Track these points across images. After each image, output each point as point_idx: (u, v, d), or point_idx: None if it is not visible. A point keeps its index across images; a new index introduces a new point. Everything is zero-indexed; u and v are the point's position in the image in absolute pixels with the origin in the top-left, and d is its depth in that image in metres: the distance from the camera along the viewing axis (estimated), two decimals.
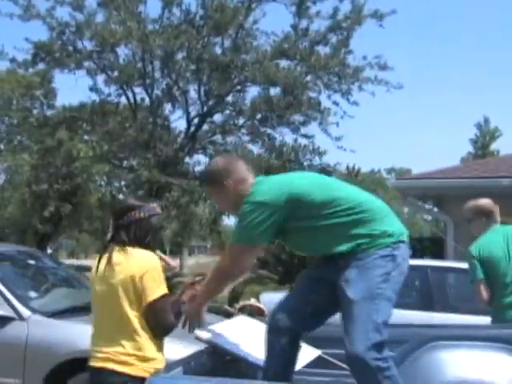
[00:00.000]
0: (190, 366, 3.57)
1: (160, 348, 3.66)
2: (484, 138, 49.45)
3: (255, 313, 8.69)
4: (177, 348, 5.26)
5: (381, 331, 3.47)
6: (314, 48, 17.34)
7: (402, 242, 3.66)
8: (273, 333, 3.84)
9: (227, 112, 18.74)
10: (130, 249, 3.60)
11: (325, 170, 16.05)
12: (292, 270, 15.35)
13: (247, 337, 4.20)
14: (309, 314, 3.80)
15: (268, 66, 16.40)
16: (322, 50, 17.59)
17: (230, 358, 4.02)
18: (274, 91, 18.01)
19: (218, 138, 19.11)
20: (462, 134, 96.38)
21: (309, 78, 17.52)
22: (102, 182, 34.09)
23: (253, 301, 5.30)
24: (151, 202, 3.84)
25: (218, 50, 17.61)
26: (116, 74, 17.47)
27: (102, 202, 39.64)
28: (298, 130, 17.80)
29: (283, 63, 17.43)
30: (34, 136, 20.21)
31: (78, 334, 5.46)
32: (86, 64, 17.52)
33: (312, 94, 17.53)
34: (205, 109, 18.31)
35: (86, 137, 18.67)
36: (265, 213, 3.57)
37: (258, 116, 18.27)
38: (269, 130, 18.35)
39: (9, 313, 5.59)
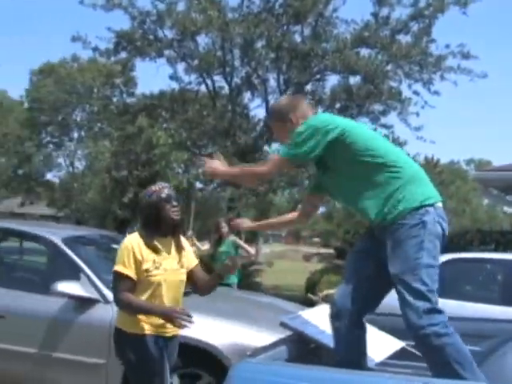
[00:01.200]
0: (275, 352, 3.56)
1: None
2: None
3: None
4: (261, 335, 5.32)
5: (428, 298, 3.52)
6: (394, 36, 17.06)
7: (431, 205, 3.69)
8: (335, 318, 3.89)
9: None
10: None
11: None
12: None
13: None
14: (365, 292, 3.84)
15: (348, 55, 16.23)
16: (403, 38, 17.32)
17: (315, 345, 4.03)
18: (354, 80, 17.89)
19: None
20: None
21: (389, 67, 17.26)
22: (180, 170, 34.60)
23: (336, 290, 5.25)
24: (156, 185, 4.21)
25: (298, 39, 17.54)
26: (196, 62, 17.62)
27: (179, 189, 40.31)
28: (377, 120, 17.65)
29: (363, 52, 17.24)
30: (114, 123, 20.59)
31: None
32: (167, 52, 17.74)
33: (392, 84, 17.29)
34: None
35: (165, 124, 18.87)
36: (315, 136, 3.76)
37: (337, 105, 18.16)
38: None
39: (94, 295, 5.69)
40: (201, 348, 5.34)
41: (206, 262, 15.05)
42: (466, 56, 16.56)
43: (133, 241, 4.04)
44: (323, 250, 65.32)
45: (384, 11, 17.24)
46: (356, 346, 3.84)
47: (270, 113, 4.63)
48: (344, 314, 3.83)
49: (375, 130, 17.42)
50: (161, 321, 3.99)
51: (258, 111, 24.13)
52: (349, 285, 3.88)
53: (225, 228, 9.89)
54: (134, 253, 3.97)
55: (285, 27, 17.37)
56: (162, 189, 4.13)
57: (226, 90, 18.40)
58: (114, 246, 7.59)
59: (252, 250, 10.65)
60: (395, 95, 16.99)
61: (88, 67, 41.26)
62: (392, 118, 18.09)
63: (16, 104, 48.00)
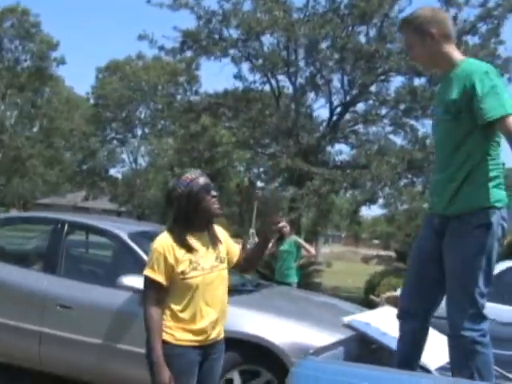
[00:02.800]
0: (337, 351, 3.60)
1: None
2: None
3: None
4: (321, 335, 5.34)
5: (477, 302, 3.44)
6: (461, 38, 16.79)
7: (498, 208, 3.52)
8: (400, 318, 3.85)
9: (370, 102, 18.59)
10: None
11: None
12: None
13: (394, 327, 4.21)
14: (431, 292, 3.75)
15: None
16: (471, 40, 17.07)
17: (376, 346, 4.05)
18: (419, 81, 17.70)
19: (359, 127, 19.06)
20: None
21: None
22: (241, 168, 34.83)
23: (398, 292, 5.26)
24: (189, 172, 3.77)
25: (363, 39, 17.46)
26: (260, 62, 17.70)
27: (241, 187, 40.53)
28: None
29: None
30: (178, 121, 20.84)
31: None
32: (232, 52, 17.86)
33: None
34: (348, 98, 18.26)
35: (228, 123, 19.04)
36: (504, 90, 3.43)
37: (402, 106, 18.01)
38: (412, 121, 18.09)
39: None
40: (261, 345, 5.37)
41: (268, 260, 15.20)
42: None
43: (163, 242, 3.62)
44: (383, 253, 64.82)
45: (451, 11, 17.00)
46: (418, 348, 3.83)
47: (407, 21, 3.74)
48: (409, 315, 3.80)
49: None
50: (199, 325, 3.66)
51: (321, 111, 23.85)
52: (414, 285, 3.82)
53: (286, 227, 9.91)
54: (165, 256, 3.57)
55: (350, 28, 17.30)
56: (199, 177, 3.71)
57: (290, 89, 18.46)
58: None
59: (313, 250, 10.67)
60: None
61: (152, 65, 41.83)
62: None
63: (82, 100, 49.01)
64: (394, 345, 3.91)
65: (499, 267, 9.08)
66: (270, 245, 10.15)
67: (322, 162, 17.55)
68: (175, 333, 3.59)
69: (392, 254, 64.61)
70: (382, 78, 17.85)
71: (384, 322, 4.20)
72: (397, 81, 17.54)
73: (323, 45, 17.34)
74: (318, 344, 5.19)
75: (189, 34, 17.41)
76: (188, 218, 3.65)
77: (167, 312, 3.59)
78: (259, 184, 28.50)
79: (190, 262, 3.62)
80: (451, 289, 3.53)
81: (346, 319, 4.09)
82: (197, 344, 3.64)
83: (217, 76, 36.74)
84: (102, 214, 32.37)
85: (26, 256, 7.37)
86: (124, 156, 47.23)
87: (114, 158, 46.35)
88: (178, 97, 30.09)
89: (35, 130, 44.48)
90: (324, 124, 18.68)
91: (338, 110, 18.52)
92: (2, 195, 47.44)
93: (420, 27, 3.61)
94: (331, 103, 18.47)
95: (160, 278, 3.57)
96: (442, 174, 3.65)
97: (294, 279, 9.80)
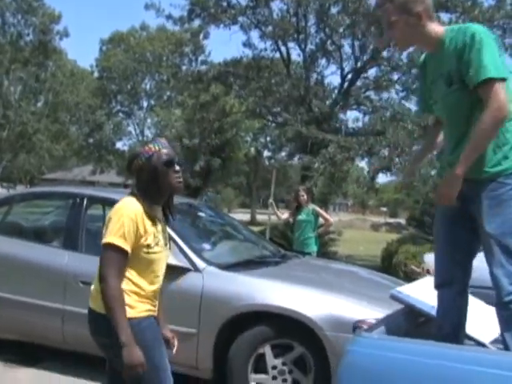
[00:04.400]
0: (390, 326, 3.41)
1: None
2: None
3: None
4: (357, 307, 5.18)
5: None
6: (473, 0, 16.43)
7: None
8: (437, 288, 3.73)
9: (382, 67, 18.26)
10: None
11: None
12: None
13: None
14: (460, 257, 3.64)
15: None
16: (486, 1, 16.69)
17: (424, 319, 3.88)
18: None
19: (371, 93, 18.74)
20: None
21: None
22: (248, 138, 34.52)
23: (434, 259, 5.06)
24: (154, 142, 3.53)
25: (374, 3, 17.07)
26: (270, 29, 17.34)
27: (248, 157, 40.25)
28: None
29: (443, 17, 16.64)
30: (187, 91, 20.53)
31: (253, 288, 5.47)
32: (240, 19, 17.49)
33: None
34: (359, 64, 17.93)
35: (238, 93, 18.71)
36: (496, 49, 3.30)
37: (414, 71, 17.67)
38: None
39: (185, 264, 5.62)
40: (293, 318, 5.21)
41: (283, 230, 15.03)
42: None
43: (135, 208, 3.38)
44: (391, 220, 64.80)
45: None
46: (461, 316, 3.69)
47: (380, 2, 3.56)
48: (445, 284, 3.68)
49: None
50: (154, 300, 3.57)
51: (332, 78, 23.16)
52: (445, 251, 3.69)
53: (304, 196, 9.71)
54: (137, 224, 3.35)
55: None
56: (162, 149, 3.47)
57: (301, 56, 18.09)
58: (200, 213, 7.57)
59: (331, 219, 10.48)
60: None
61: (157, 36, 41.44)
62: None
63: (86, 73, 48.62)
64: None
65: None
66: (288, 215, 10.00)
67: (335, 129, 17.25)
68: (137, 306, 3.42)
69: (401, 220, 64.81)
70: (395, 42, 17.44)
71: (430, 293, 4.02)
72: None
73: (334, 10, 16.95)
74: (352, 316, 5.08)
75: (196, 1, 17.04)
76: (148, 191, 3.46)
77: (125, 286, 3.38)
78: (266, 154, 28.29)
79: (154, 235, 3.45)
80: (495, 254, 3.35)
81: (393, 291, 3.90)
82: (151, 314, 3.53)
83: (226, 45, 36.30)
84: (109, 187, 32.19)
85: (44, 232, 7.19)
86: (130, 128, 47.02)
87: (120, 130, 46.11)
88: (184, 67, 29.75)
89: (40, 104, 44.14)
90: (336, 91, 18.34)
91: (350, 76, 18.19)
92: (9, 171, 47.31)
93: (404, 6, 3.48)
94: (342, 69, 18.16)
95: (129, 248, 3.33)
96: (458, 149, 3.46)
97: (314, 248, 9.63)
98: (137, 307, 3.41)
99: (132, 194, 3.48)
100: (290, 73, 17.91)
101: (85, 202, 6.49)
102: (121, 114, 46.28)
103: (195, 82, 18.83)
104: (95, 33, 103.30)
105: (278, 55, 18.24)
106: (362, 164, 17.22)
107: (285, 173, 37.71)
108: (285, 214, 10.41)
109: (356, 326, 4.96)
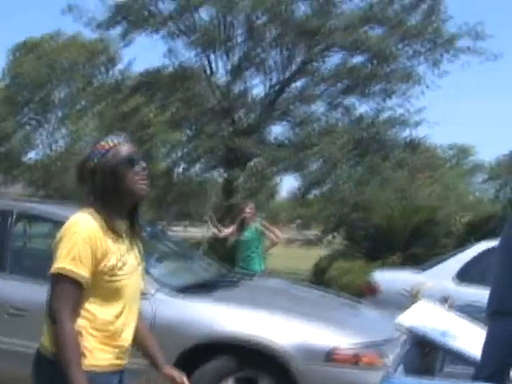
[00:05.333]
0: (406, 363, 2.94)
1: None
2: None
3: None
4: (328, 333, 4.72)
5: None
6: (404, 14, 16.43)
7: None
8: (490, 318, 3.40)
9: (308, 80, 17.99)
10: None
11: None
12: (379, 246, 14.68)
13: (445, 325, 3.65)
14: None
15: (359, 33, 15.57)
16: (413, 17, 16.68)
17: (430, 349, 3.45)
18: (358, 60, 17.27)
19: (297, 106, 18.42)
20: None
21: (399, 45, 16.60)
22: (165, 150, 33.64)
23: (430, 285, 4.65)
24: (108, 138, 2.75)
25: (302, 15, 16.75)
26: (196, 37, 16.76)
27: (162, 170, 39.33)
28: (384, 101, 17.01)
29: (372, 30, 16.55)
30: (106, 101, 19.63)
31: (212, 314, 4.94)
32: (166, 27, 16.86)
33: (403, 64, 16.65)
34: (286, 76, 17.60)
35: (160, 103, 17.97)
36: None
37: (340, 85, 17.53)
38: (352, 100, 17.66)
39: None
40: (260, 348, 4.69)
41: (212, 245, 14.45)
42: (480, 36, 15.93)
43: (90, 224, 2.61)
44: (305, 235, 64.94)
45: None
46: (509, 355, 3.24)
47: None
48: (504, 313, 3.23)
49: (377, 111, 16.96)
50: (121, 342, 2.72)
51: (259, 89, 22.59)
52: (506, 281, 3.37)
53: (250, 213, 9.17)
54: (94, 244, 2.59)
55: (291, 3, 16.54)
56: (120, 144, 2.71)
57: (228, 66, 17.58)
58: (149, 229, 6.84)
59: (281, 234, 9.95)
60: (407, 75, 16.32)
61: (72, 43, 40.13)
62: (394, 100, 17.42)
63: None
64: (462, 350, 3.30)
65: (477, 248, 8.71)
66: (230, 231, 9.44)
67: (261, 142, 16.82)
68: (95, 353, 2.64)
69: (312, 235, 65.03)
70: (323, 54, 17.22)
71: (436, 321, 3.62)
72: (335, 59, 16.93)
73: (262, 20, 16.57)
74: (324, 344, 4.64)
75: (120, 7, 16.30)
76: (105, 199, 2.68)
77: (83, 323, 2.62)
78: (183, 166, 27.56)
79: (119, 255, 2.68)
80: None
81: (399, 320, 3.45)
82: (116, 369, 2.73)
83: (150, 53, 35.11)
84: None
85: None
86: (41, 139, 45.30)
87: (30, 141, 44.38)
88: (99, 77, 28.82)
89: None
90: (261, 102, 17.89)
91: (276, 88, 17.82)
92: None
93: None
94: (269, 81, 17.81)
95: (85, 273, 2.57)
96: None
97: (257, 268, 9.14)
98: (95, 354, 2.63)
99: (86, 207, 2.70)
100: (214, 83, 17.41)
101: (13, 218, 5.71)
102: (31, 124, 44.59)
103: (114, 92, 18.04)
104: (4, 41, 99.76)
105: (202, 65, 17.67)
106: (291, 178, 16.81)
107: (201, 186, 37.06)
108: (226, 230, 9.84)
109: (330, 355, 4.62)
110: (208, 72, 17.64)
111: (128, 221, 2.82)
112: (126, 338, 2.74)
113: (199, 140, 17.31)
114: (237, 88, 17.47)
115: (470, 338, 3.56)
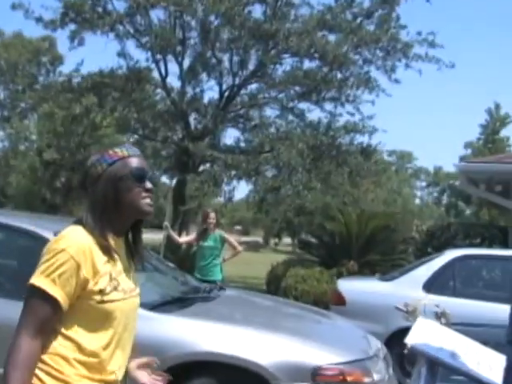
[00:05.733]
0: None
1: None
2: (495, 124, 48.74)
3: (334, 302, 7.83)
4: (312, 350, 4.51)
5: None
6: (360, 21, 16.37)
7: None
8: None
9: (262, 84, 17.77)
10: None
11: None
12: (335, 253, 14.54)
13: (454, 347, 3.46)
14: None
15: (314, 38, 15.41)
16: (367, 23, 16.64)
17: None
18: (313, 65, 17.13)
19: (251, 110, 18.20)
20: (470, 120, 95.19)
21: (354, 52, 16.52)
22: None
23: (427, 300, 4.44)
24: (120, 147, 2.47)
25: (259, 19, 16.49)
26: (149, 39, 16.36)
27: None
28: (342, 106, 16.91)
29: (328, 36, 16.45)
30: (56, 102, 19.01)
31: (191, 332, 4.67)
32: (117, 27, 16.40)
33: (357, 70, 16.58)
34: (239, 80, 17.35)
35: (112, 105, 17.47)
36: None
37: (294, 89, 17.37)
38: (307, 105, 17.53)
39: None
40: (243, 367, 4.45)
41: (182, 256, 14.06)
42: (433, 44, 15.97)
43: (82, 241, 2.31)
44: (247, 239, 64.68)
45: None
46: None
47: None
48: None
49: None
50: (110, 376, 2.39)
51: (212, 93, 21.76)
52: None
53: (213, 221, 8.91)
54: (78, 264, 2.28)
55: (245, 6, 16.28)
56: (132, 156, 2.45)
57: (181, 69, 17.21)
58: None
59: (240, 247, 9.70)
60: (364, 81, 16.25)
61: (13, 43, 39.10)
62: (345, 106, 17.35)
63: None
64: (478, 374, 3.10)
65: (446, 257, 8.63)
66: (190, 238, 9.14)
67: (213, 145, 16.49)
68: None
69: (259, 239, 65.02)
70: (278, 58, 17.01)
71: (442, 341, 3.43)
72: (290, 63, 16.74)
73: (217, 23, 16.27)
74: (309, 362, 4.45)
75: (71, 5, 15.79)
76: (105, 212, 2.40)
77: (63, 350, 2.30)
78: None
79: (111, 277, 2.39)
80: None
81: (409, 341, 3.25)
82: None
83: (101, 54, 34.18)
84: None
85: None
86: None
87: None
88: (49, 75, 28.11)
89: None
90: (214, 106, 17.57)
91: (229, 91, 17.56)
92: None
93: None
94: (222, 84, 17.54)
95: (59, 294, 2.25)
96: None
97: (219, 277, 8.89)
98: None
99: (83, 220, 2.39)
100: (167, 86, 17.05)
101: None
102: None
103: (65, 92, 17.48)
104: None
105: (155, 67, 17.29)
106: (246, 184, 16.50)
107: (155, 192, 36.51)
108: (186, 237, 9.53)
109: (315, 374, 4.44)
110: (161, 74, 17.25)
111: (128, 239, 2.55)
112: (113, 370, 2.41)
113: (149, 143, 16.90)
114: (190, 91, 17.15)
115: (478, 359, 3.37)
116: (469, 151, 51.16)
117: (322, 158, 15.52)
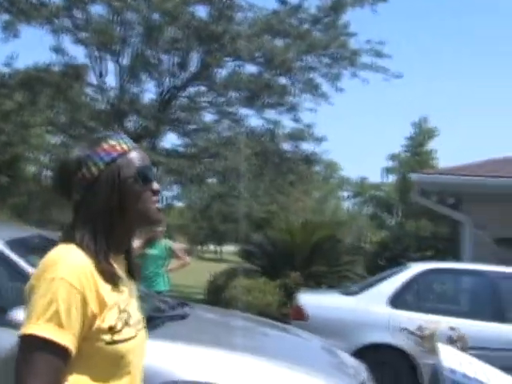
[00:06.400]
0: None
1: None
2: (422, 137, 49.49)
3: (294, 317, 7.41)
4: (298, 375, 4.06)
5: None
6: (306, 26, 16.05)
7: None
8: None
9: (203, 87, 17.24)
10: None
11: None
12: (277, 262, 14.10)
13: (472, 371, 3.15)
14: None
15: (260, 42, 14.99)
16: (314, 30, 16.32)
17: None
18: (257, 69, 16.72)
19: (189, 114, 17.62)
20: (395, 132, 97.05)
21: (301, 58, 16.17)
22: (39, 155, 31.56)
23: (444, 324, 4.03)
24: (116, 136, 1.93)
25: (204, 20, 15.93)
26: (88, 35, 15.56)
27: (29, 175, 36.89)
28: (290, 112, 16.52)
29: (274, 41, 16.02)
30: None
31: (166, 357, 4.10)
32: (53, 21, 15.52)
33: (303, 77, 16.24)
34: (180, 81, 16.74)
35: (45, 103, 16.54)
36: None
37: (236, 94, 16.89)
38: (247, 111, 17.09)
39: None
40: None
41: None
42: (380, 54, 15.79)
43: (82, 264, 1.77)
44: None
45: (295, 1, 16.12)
46: None
47: None
48: None
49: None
50: None
51: (150, 94, 20.78)
52: None
53: (162, 228, 8.41)
54: (84, 297, 1.73)
55: (188, 6, 15.67)
56: (133, 150, 1.92)
57: (119, 68, 16.44)
58: None
59: (187, 258, 9.22)
60: (310, 89, 15.91)
61: None
62: (281, 113, 17.00)
63: None
64: None
65: (412, 270, 8.37)
66: (137, 245, 8.58)
67: (151, 149, 15.80)
68: None
69: (185, 246, 64.31)
70: (221, 62, 16.46)
71: (470, 368, 3.09)
72: (233, 67, 16.23)
73: (158, 21, 15.59)
74: None
75: None
76: (107, 227, 1.85)
77: None
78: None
79: (119, 308, 1.84)
80: None
81: (447, 373, 2.87)
82: None
83: (36, 49, 32.35)
84: None
85: None
86: None
87: None
88: None
89: None
90: (152, 107, 16.85)
91: (170, 93, 16.92)
92: None
93: None
94: (161, 85, 16.88)
95: (69, 340, 1.69)
96: None
97: (162, 288, 8.42)
98: None
99: (69, 236, 1.84)
100: (104, 85, 16.31)
101: None
102: None
103: None
104: None
105: (92, 65, 16.45)
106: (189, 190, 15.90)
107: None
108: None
109: None
110: (99, 72, 16.44)
111: (127, 255, 2.00)
112: None
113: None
114: (129, 91, 16.41)
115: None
116: (395, 163, 51.76)
117: (266, 165, 15.10)
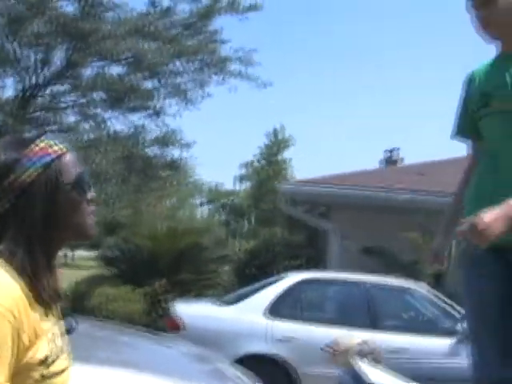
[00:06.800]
0: None
1: None
2: (278, 146, 50.17)
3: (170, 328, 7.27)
4: None
5: None
6: (176, 31, 15.86)
7: None
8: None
9: (65, 87, 16.59)
10: None
11: None
12: (138, 268, 13.74)
13: None
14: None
15: (128, 44, 14.63)
16: (185, 34, 16.15)
17: None
18: (122, 71, 16.31)
19: (50, 113, 16.90)
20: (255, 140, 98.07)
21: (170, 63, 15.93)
22: None
23: (359, 341, 4.00)
24: (46, 139, 1.72)
25: (69, 16, 15.31)
26: None
27: None
28: (154, 116, 16.20)
29: (144, 43, 15.66)
30: None
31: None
32: None
33: (171, 81, 16.03)
34: (41, 79, 16.03)
35: None
36: None
37: (100, 96, 16.40)
38: (110, 113, 16.61)
39: None
40: None
41: None
42: (250, 62, 15.85)
43: (15, 289, 1.54)
44: None
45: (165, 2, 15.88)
46: None
47: None
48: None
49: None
50: None
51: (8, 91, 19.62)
52: (496, 337, 2.72)
53: None
54: (19, 324, 1.52)
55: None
56: (67, 152, 1.72)
57: None
58: None
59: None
60: (177, 93, 15.71)
61: None
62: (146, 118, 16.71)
63: None
64: None
65: (289, 280, 8.44)
66: None
67: None
68: None
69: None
70: (86, 61, 15.92)
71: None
72: (98, 67, 15.75)
73: (21, 14, 14.83)
74: None
75: None
76: (39, 242, 1.62)
77: None
78: None
79: (51, 338, 1.65)
80: None
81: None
82: None
83: None
84: None
85: None
86: None
87: None
88: None
89: None
90: (13, 106, 16.02)
91: (31, 91, 16.16)
92: None
93: None
94: (22, 82, 16.09)
95: (4, 377, 1.48)
96: None
97: None
98: None
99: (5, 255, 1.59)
100: None
101: None
102: None
103: None
104: None
105: None
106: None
107: None
108: None
109: None
110: None
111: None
112: None
113: None
114: None
115: None
116: (248, 170, 52.21)
117: (131, 170, 14.75)
